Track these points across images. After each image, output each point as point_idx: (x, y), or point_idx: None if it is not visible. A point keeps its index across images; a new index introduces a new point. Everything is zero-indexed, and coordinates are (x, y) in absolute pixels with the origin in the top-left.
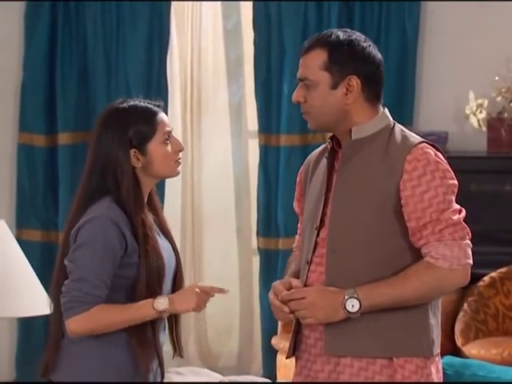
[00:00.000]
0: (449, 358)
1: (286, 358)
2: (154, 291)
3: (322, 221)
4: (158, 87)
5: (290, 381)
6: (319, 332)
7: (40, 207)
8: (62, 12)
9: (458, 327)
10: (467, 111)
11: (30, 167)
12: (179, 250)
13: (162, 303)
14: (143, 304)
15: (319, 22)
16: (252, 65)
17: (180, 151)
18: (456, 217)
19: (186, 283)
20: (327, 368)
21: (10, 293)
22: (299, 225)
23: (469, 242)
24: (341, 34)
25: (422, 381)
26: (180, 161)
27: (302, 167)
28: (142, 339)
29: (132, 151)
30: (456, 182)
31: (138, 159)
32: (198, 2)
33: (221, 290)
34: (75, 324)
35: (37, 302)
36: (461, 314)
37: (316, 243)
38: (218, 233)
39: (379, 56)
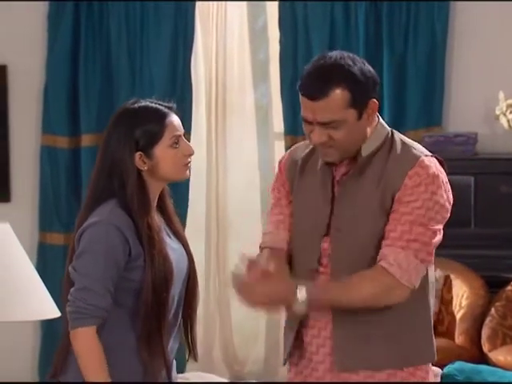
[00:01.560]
0: (459, 364)
1: (284, 363)
2: (160, 296)
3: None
4: (182, 88)
5: None
6: (328, 347)
7: (63, 210)
8: (85, 12)
9: (484, 333)
10: (497, 112)
11: (53, 169)
12: (203, 256)
13: None
14: None
15: (346, 23)
16: (278, 66)
17: (190, 155)
18: (428, 237)
19: (211, 290)
20: (329, 376)
21: (14, 296)
22: (272, 218)
23: (425, 267)
24: (346, 64)
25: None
26: (189, 165)
27: (285, 160)
28: (150, 347)
29: (137, 154)
30: (448, 203)
31: (144, 162)
32: (224, 2)
33: None
34: (75, 337)
35: (42, 305)
36: (488, 320)
37: (321, 252)
38: (243, 238)
39: None
